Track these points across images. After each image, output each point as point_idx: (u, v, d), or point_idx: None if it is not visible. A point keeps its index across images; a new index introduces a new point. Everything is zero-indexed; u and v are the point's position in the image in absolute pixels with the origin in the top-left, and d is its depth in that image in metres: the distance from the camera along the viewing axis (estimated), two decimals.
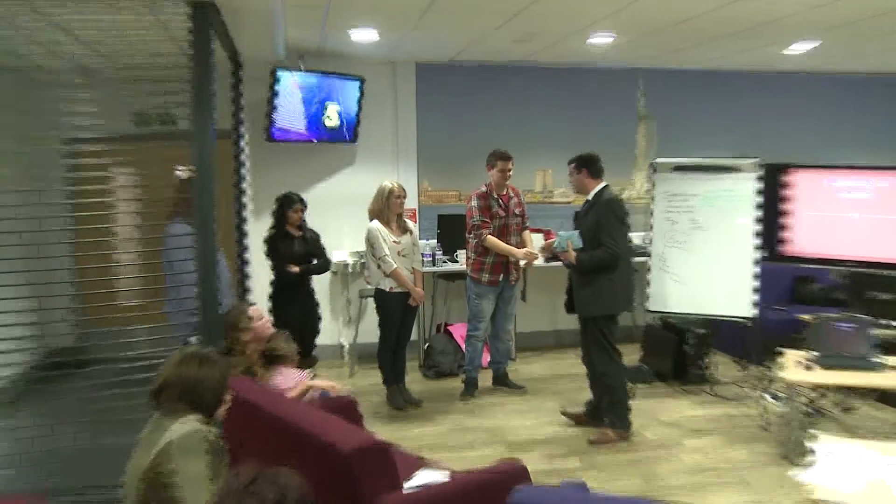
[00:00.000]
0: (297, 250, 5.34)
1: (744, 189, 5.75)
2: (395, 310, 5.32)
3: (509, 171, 5.44)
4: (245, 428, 3.25)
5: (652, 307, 5.82)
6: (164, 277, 4.12)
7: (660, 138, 7.41)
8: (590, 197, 4.64)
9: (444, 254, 6.68)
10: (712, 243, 5.56)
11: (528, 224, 5.84)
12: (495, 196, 5.46)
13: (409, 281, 5.23)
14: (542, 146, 7.45)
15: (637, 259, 5.82)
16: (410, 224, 5.44)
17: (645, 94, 7.51)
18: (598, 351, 4.70)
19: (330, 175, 6.98)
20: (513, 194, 5.61)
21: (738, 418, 5.48)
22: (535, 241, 5.81)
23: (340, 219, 6.82)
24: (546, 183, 7.61)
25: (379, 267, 5.22)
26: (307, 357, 5.15)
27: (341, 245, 6.87)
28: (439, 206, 7.26)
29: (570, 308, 4.83)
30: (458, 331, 6.75)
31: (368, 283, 5.35)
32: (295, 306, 5.32)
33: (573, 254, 4.58)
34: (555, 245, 4.69)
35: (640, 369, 6.12)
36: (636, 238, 6.42)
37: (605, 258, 4.50)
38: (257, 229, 5.93)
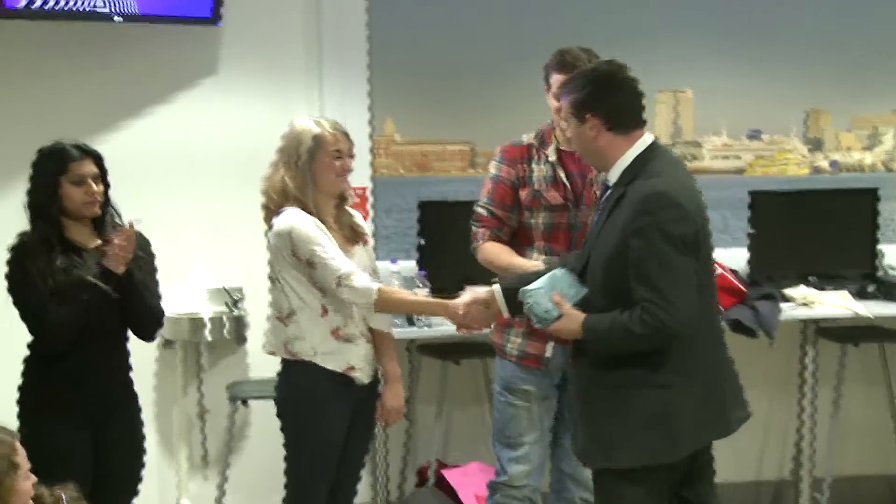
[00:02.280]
0: (87, 278, 3.30)
1: None
2: (333, 431, 3.43)
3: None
4: None
5: None
6: None
7: None
8: (614, 176, 3.03)
9: (434, 294, 4.34)
10: None
11: None
12: (550, 157, 3.62)
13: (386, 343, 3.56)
14: (670, 37, 5.10)
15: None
16: (361, 220, 3.58)
17: None
18: None
19: (157, 101, 4.78)
20: None
21: None
22: None
23: (182, 208, 4.64)
24: (683, 123, 5.31)
25: (292, 318, 3.46)
26: None
27: (184, 276, 4.63)
28: (423, 181, 5.31)
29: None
30: (471, 481, 4.52)
31: (292, 353, 3.41)
32: (81, 420, 3.26)
33: (578, 316, 3.02)
34: (526, 308, 3.11)
35: None
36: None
37: (643, 334, 2.89)
38: None
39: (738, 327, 4.05)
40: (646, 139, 3.04)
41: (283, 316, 3.46)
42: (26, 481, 2.62)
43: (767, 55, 4.88)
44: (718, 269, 4.06)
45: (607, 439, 3.05)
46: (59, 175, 3.30)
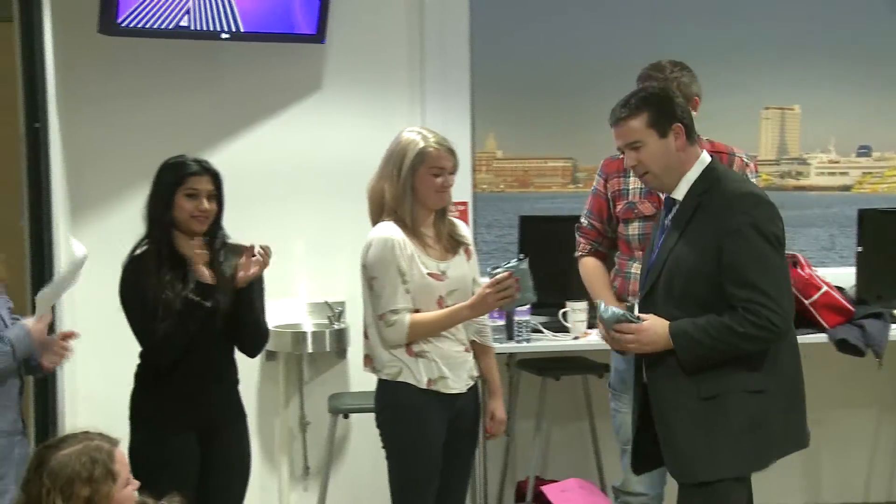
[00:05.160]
0: (193, 292, 3.41)
1: None
2: (430, 442, 3.44)
3: None
4: None
5: None
6: None
7: None
8: (681, 192, 3.04)
9: (532, 309, 4.39)
10: None
11: None
12: None
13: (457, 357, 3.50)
14: (777, 53, 5.11)
15: None
16: (464, 230, 3.61)
17: None
18: None
19: (263, 117, 4.88)
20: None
21: None
22: None
23: (286, 223, 4.72)
24: (789, 140, 5.32)
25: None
26: None
27: (288, 290, 4.69)
28: (524, 197, 5.47)
29: (641, 462, 3.24)
30: (570, 497, 4.58)
31: (374, 369, 3.51)
32: (190, 430, 3.37)
33: (663, 321, 3.02)
34: (604, 316, 3.13)
35: None
36: None
37: (746, 332, 2.89)
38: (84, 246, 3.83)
39: (845, 346, 3.98)
40: (704, 156, 3.09)
41: (365, 330, 3.54)
42: (126, 489, 2.67)
43: (879, 71, 4.81)
44: (824, 287, 4.07)
45: (707, 450, 3.01)
46: (176, 186, 3.40)
